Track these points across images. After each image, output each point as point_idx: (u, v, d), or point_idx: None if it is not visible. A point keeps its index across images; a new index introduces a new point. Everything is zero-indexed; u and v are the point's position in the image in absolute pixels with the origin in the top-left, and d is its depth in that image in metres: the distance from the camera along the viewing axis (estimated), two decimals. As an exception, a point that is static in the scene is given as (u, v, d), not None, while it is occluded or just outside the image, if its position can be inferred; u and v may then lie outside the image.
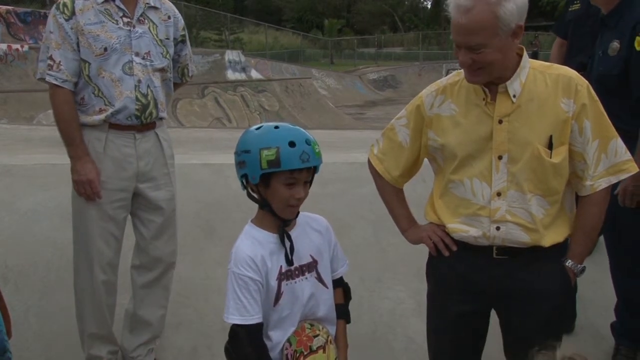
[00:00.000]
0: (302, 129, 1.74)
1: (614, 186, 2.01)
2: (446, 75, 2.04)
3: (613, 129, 1.84)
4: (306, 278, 1.81)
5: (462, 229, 1.89)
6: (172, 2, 2.80)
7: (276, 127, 1.71)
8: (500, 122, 1.80)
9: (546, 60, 2.26)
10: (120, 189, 2.61)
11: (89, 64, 2.51)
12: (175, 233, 2.83)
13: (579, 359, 1.29)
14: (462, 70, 1.85)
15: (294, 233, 1.80)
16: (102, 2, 2.53)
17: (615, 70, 2.58)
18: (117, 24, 2.54)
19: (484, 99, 1.83)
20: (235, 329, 1.72)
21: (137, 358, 2.81)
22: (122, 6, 2.56)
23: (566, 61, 3.51)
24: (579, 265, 1.92)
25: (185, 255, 3.27)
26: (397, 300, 3.36)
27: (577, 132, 1.81)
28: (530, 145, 1.79)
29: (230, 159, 1.89)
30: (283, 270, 1.76)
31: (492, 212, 1.84)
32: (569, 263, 1.92)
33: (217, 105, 16.31)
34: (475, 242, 1.89)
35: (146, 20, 2.62)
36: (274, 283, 1.75)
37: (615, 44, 2.60)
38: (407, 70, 33.05)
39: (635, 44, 2.50)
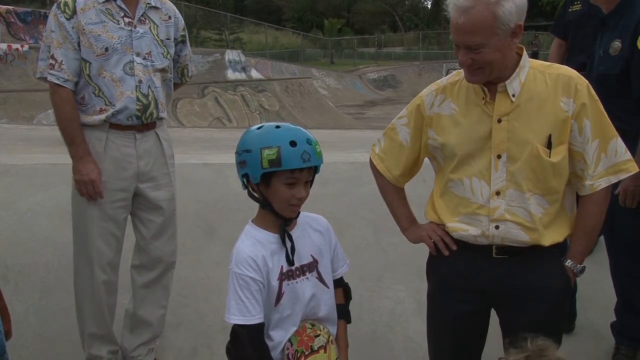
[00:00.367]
0: (302, 129, 1.74)
1: (614, 186, 2.01)
2: (446, 75, 2.04)
3: (613, 128, 1.84)
4: (307, 278, 1.81)
5: (462, 228, 1.90)
6: (172, 2, 2.80)
7: (277, 127, 1.72)
8: (499, 121, 1.81)
9: (546, 60, 2.26)
10: (121, 189, 2.61)
11: (90, 63, 2.51)
12: (175, 233, 2.83)
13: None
14: (462, 70, 1.85)
15: (294, 233, 1.80)
16: (103, 2, 2.52)
17: (616, 70, 2.58)
18: (119, 24, 2.54)
19: (483, 99, 1.83)
20: (237, 329, 1.72)
21: (137, 358, 2.81)
22: (123, 6, 2.56)
23: (567, 61, 3.51)
24: (578, 265, 1.92)
25: (185, 255, 3.27)
26: (397, 300, 3.36)
27: (576, 132, 1.81)
28: (529, 144, 1.79)
29: (230, 158, 1.89)
30: (284, 270, 1.77)
31: (491, 211, 1.84)
32: (568, 263, 1.92)
33: (217, 105, 16.32)
34: (475, 241, 1.89)
35: (147, 21, 2.62)
36: (275, 283, 1.75)
37: (617, 44, 2.59)
38: (407, 70, 33.08)
39: (638, 43, 2.50)
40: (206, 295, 3.29)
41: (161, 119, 2.71)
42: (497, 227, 1.84)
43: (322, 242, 1.87)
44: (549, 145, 1.79)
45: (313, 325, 1.82)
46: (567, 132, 1.80)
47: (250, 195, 1.79)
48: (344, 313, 1.94)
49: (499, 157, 1.82)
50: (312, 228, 1.87)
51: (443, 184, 1.95)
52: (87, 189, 2.52)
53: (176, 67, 2.84)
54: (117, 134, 2.58)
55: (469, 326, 2.01)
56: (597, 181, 1.84)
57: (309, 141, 1.69)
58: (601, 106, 1.83)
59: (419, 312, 3.03)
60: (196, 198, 3.94)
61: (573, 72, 1.83)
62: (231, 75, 18.47)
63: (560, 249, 1.92)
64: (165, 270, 2.80)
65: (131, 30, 2.55)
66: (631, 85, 2.56)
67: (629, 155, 1.86)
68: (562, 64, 2.65)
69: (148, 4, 2.62)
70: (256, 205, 1.80)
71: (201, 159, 4.74)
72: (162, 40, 2.65)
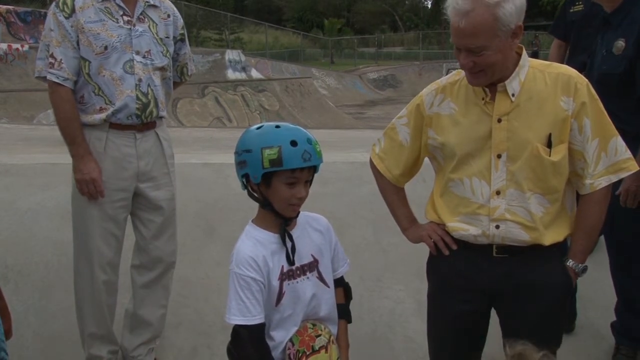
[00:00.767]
0: (302, 129, 1.74)
1: (615, 186, 2.00)
2: (446, 74, 2.04)
3: (613, 127, 1.84)
4: (307, 278, 1.81)
5: (462, 227, 1.90)
6: (172, 1, 2.80)
7: (277, 127, 1.72)
8: (499, 121, 1.81)
9: (546, 59, 2.25)
10: (121, 189, 2.60)
11: (89, 62, 2.50)
12: (175, 233, 2.83)
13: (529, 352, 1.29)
14: (461, 70, 1.85)
15: (295, 233, 1.80)
16: (102, 0, 2.52)
17: (619, 69, 2.56)
18: (118, 22, 2.53)
19: (483, 98, 1.83)
20: (238, 330, 1.72)
21: (138, 358, 2.80)
22: (122, 4, 2.55)
23: (568, 61, 3.50)
24: (580, 265, 1.92)
25: (185, 255, 3.27)
26: (397, 300, 3.36)
27: (576, 131, 1.81)
28: (529, 143, 1.79)
29: (230, 158, 1.89)
30: (284, 270, 1.76)
31: (491, 211, 1.84)
32: (569, 262, 1.91)
33: (217, 105, 16.32)
34: (475, 241, 1.89)
35: (146, 19, 2.62)
36: (275, 283, 1.75)
37: (621, 43, 2.57)
38: (407, 70, 33.08)
39: None
40: (206, 295, 3.29)
41: (161, 118, 2.71)
42: (497, 227, 1.84)
43: (323, 241, 1.88)
44: (549, 145, 1.79)
45: (314, 325, 1.82)
46: (567, 131, 1.80)
47: (250, 195, 1.79)
48: (344, 313, 1.94)
49: (499, 156, 1.82)
50: (312, 228, 1.87)
51: (443, 183, 1.95)
52: (88, 188, 2.52)
53: (175, 65, 2.84)
54: (117, 134, 2.58)
55: (469, 326, 2.01)
56: (598, 180, 1.84)
57: (309, 141, 1.69)
58: (601, 105, 1.83)
59: (419, 312, 3.03)
60: (196, 198, 3.94)
61: (573, 71, 1.83)
62: (231, 75, 18.47)
63: (560, 249, 1.92)
64: (165, 270, 2.80)
65: (130, 28, 2.55)
66: (634, 84, 2.55)
67: (629, 153, 1.86)
68: (564, 64, 2.64)
69: (147, 2, 2.62)
70: (256, 205, 1.80)
71: (201, 158, 4.74)
72: (161, 39, 2.65)
